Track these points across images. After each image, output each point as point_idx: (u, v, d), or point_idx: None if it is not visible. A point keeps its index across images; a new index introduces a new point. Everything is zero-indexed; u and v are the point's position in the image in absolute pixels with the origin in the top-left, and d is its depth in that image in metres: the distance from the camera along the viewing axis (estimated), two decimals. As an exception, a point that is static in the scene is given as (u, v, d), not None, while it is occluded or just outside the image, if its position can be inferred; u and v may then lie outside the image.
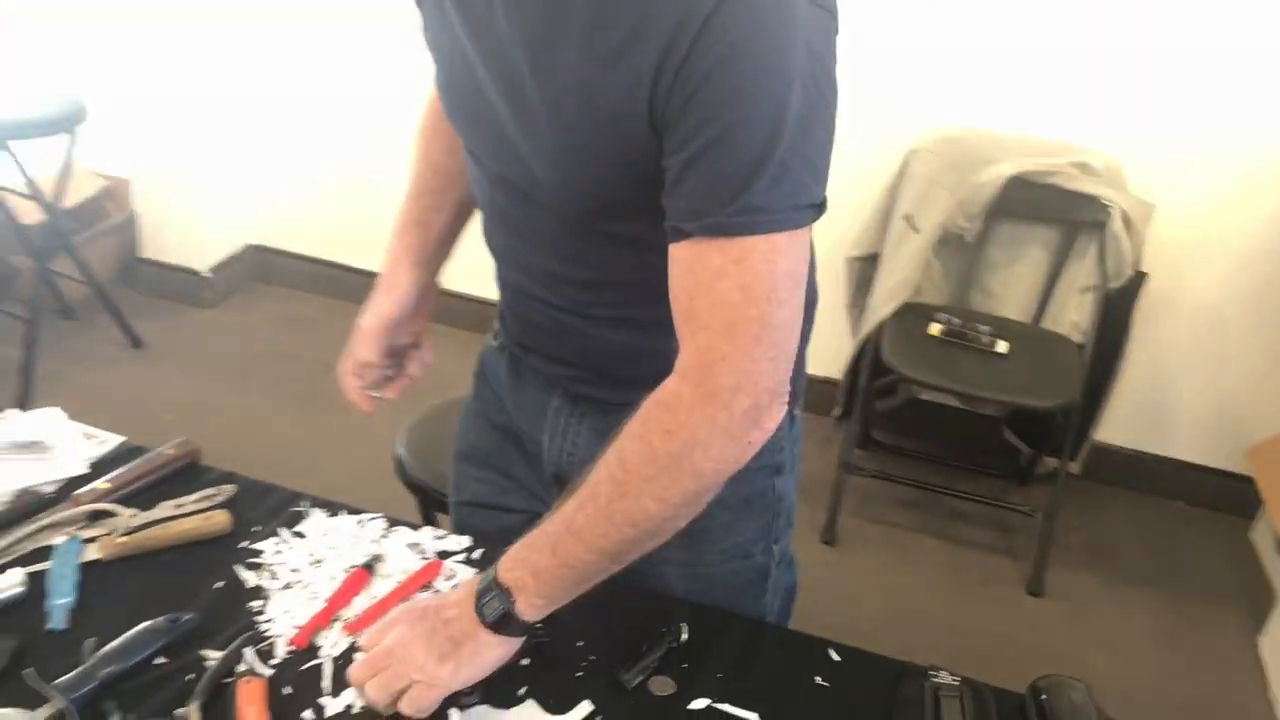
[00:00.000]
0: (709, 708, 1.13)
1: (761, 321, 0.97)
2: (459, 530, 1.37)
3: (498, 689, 1.12)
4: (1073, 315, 2.79)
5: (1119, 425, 3.05)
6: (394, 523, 1.34)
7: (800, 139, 0.94)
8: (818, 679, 1.18)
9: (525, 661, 1.16)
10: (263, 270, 3.71)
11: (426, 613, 1.10)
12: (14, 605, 1.15)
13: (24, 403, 2.94)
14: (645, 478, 1.02)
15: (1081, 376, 2.64)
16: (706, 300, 0.97)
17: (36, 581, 1.18)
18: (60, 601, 1.16)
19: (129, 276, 3.59)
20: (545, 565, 1.07)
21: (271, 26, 3.36)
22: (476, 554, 1.30)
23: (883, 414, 3.14)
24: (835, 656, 1.21)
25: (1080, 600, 2.71)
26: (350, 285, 3.56)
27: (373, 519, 1.34)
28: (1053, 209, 2.74)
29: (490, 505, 1.43)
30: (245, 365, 3.30)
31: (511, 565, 1.08)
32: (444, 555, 1.29)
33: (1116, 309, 2.78)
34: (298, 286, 3.66)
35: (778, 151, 0.93)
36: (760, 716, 1.13)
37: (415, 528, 1.33)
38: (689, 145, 0.94)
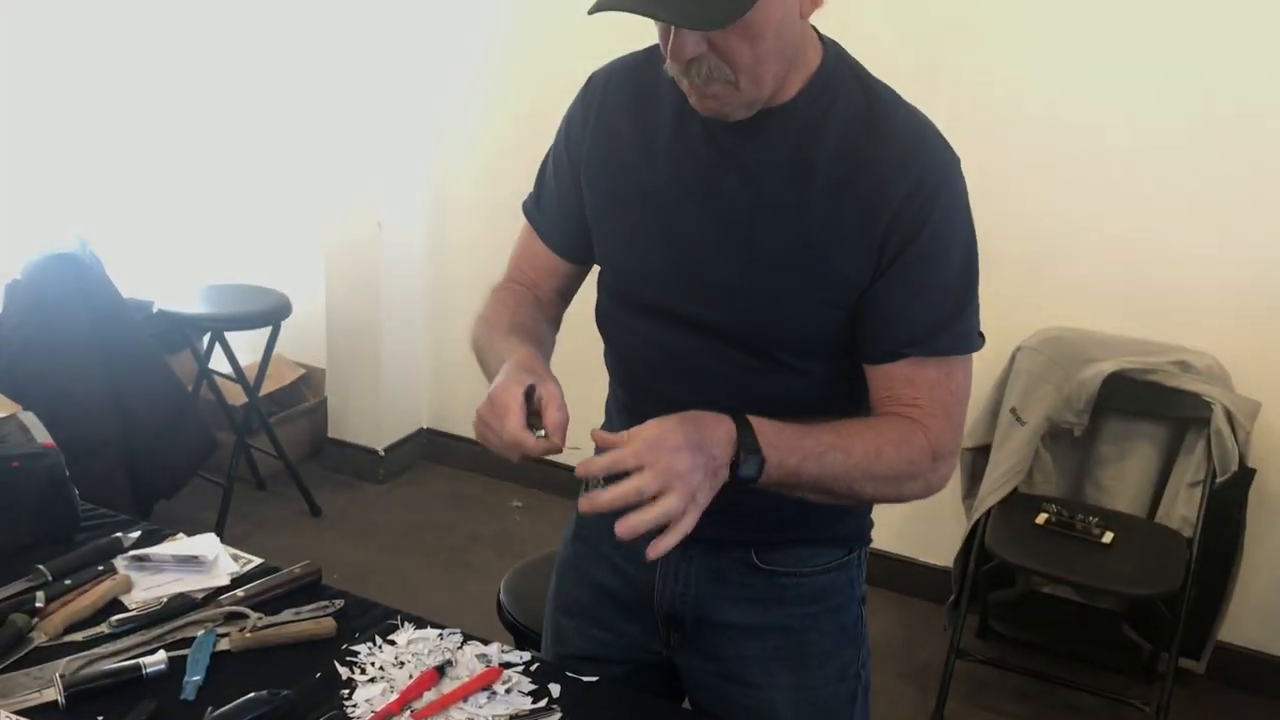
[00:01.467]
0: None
1: (961, 413, 1.34)
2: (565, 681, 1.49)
3: (528, 771, 1.32)
4: (1183, 510, 2.83)
5: (1246, 626, 3.00)
6: (469, 638, 1.57)
7: (978, 280, 1.32)
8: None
9: (558, 754, 1.36)
10: (432, 451, 4.09)
11: (702, 445, 1.15)
12: (157, 678, 1.43)
13: (215, 559, 3.34)
14: (884, 477, 1.29)
15: (1187, 568, 2.67)
16: (929, 401, 1.29)
17: (177, 662, 1.46)
18: (193, 679, 1.43)
19: (317, 453, 4.03)
20: (794, 464, 1.23)
21: (455, 258, 3.85)
22: (534, 666, 1.52)
23: (1001, 605, 3.20)
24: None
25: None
26: (508, 468, 3.88)
27: (451, 633, 1.58)
28: (1156, 406, 2.84)
29: (593, 658, 1.56)
30: (405, 534, 3.63)
31: (774, 447, 1.20)
32: (506, 665, 1.52)
33: (1228, 504, 2.81)
34: (461, 466, 4.02)
35: (971, 292, 1.31)
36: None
37: (486, 643, 1.56)
38: (909, 287, 1.27)
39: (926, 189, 1.25)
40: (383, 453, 3.94)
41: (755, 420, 1.21)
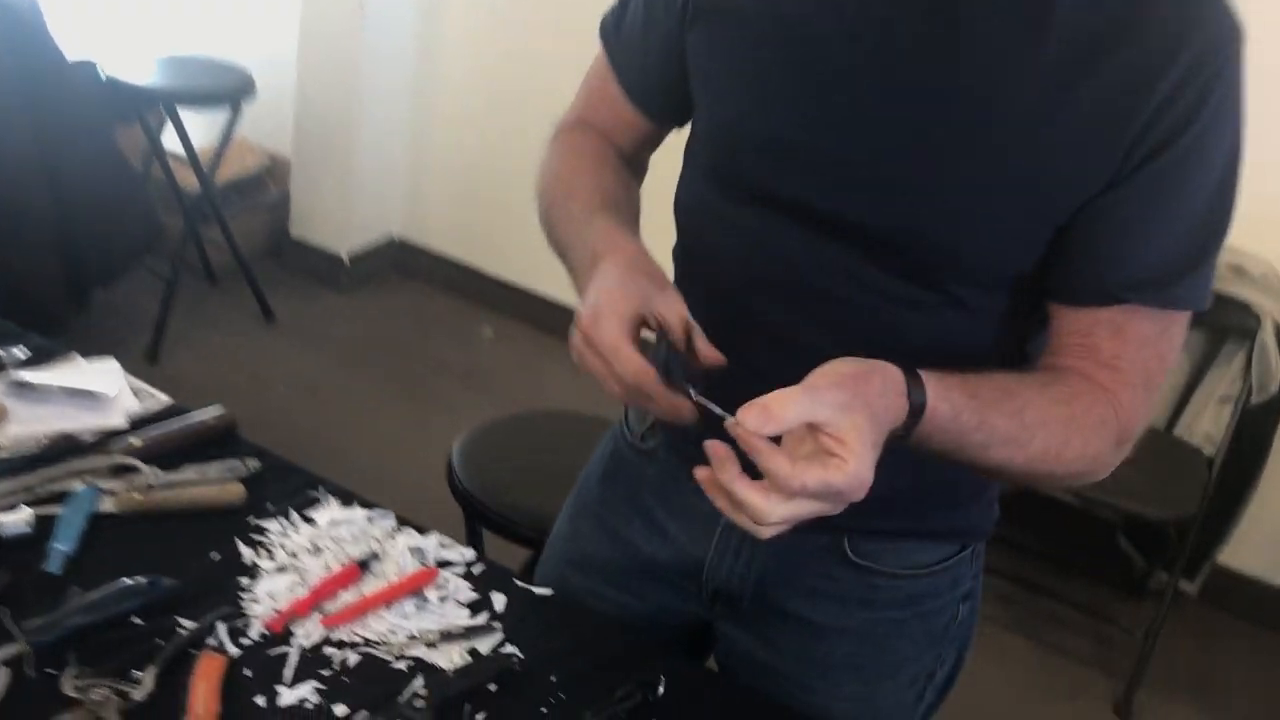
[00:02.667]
0: (669, 772, 1.07)
1: (1159, 384, 1.00)
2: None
3: (450, 712, 1.09)
4: (1208, 425, 2.61)
5: (1249, 551, 2.82)
6: (403, 523, 1.32)
7: (1233, 211, 0.97)
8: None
9: (492, 686, 1.12)
10: (401, 263, 3.80)
11: (881, 424, 0.84)
12: (17, 543, 1.18)
13: (153, 355, 3.08)
14: (1050, 475, 1.00)
15: (1204, 491, 2.46)
16: (1132, 362, 0.97)
17: (46, 523, 1.20)
18: (61, 547, 1.17)
19: (276, 252, 3.73)
20: (939, 448, 0.91)
21: (447, 27, 3.46)
22: (477, 569, 1.27)
23: (992, 499, 3.00)
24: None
25: (1172, 732, 2.51)
26: (482, 290, 3.60)
27: (383, 515, 1.32)
28: (1199, 310, 2.57)
29: (609, 621, 1.28)
30: (364, 352, 3.37)
31: (931, 436, 0.89)
32: (443, 565, 1.27)
33: (1257, 425, 2.58)
34: (432, 284, 3.73)
35: (1224, 225, 0.97)
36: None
37: (423, 532, 1.31)
38: (1152, 205, 0.93)
39: (1206, 72, 0.90)
40: (347, 260, 3.64)
41: (934, 400, 0.87)
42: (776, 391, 0.81)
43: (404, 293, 3.72)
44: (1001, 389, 0.94)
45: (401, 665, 1.13)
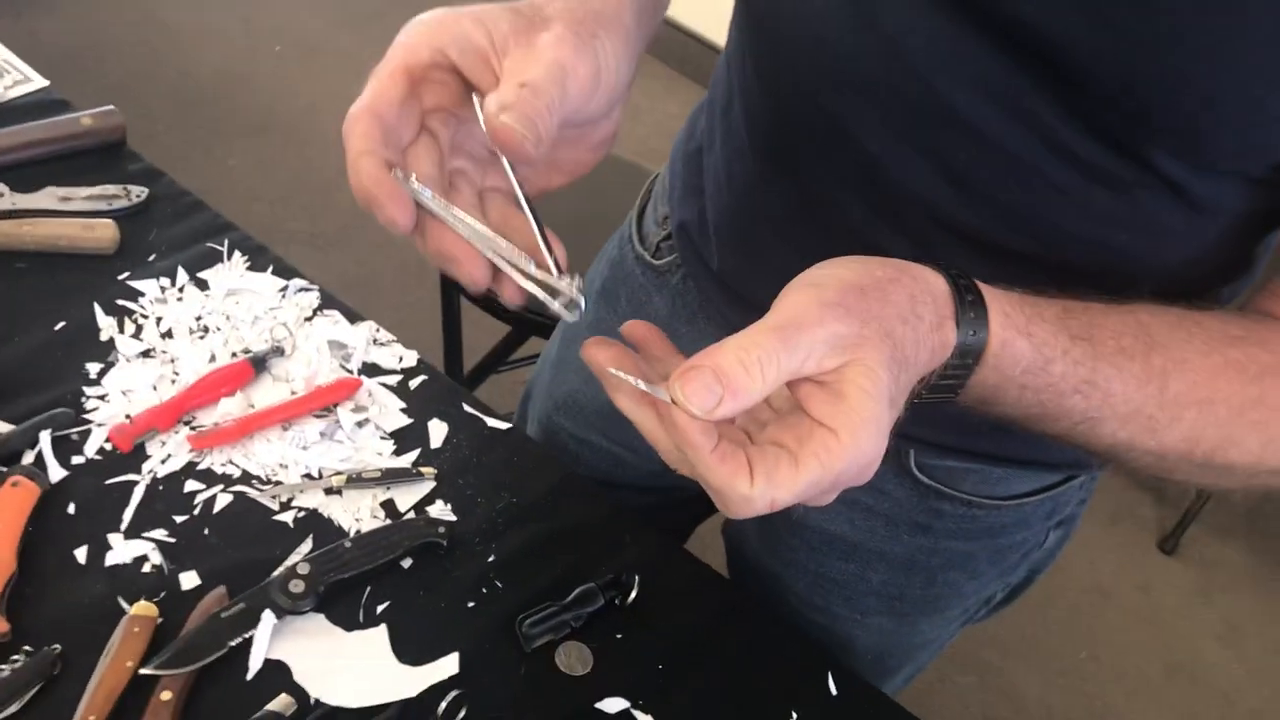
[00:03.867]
0: (624, 713, 0.79)
1: None
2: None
3: (342, 598, 0.80)
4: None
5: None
6: (330, 304, 0.98)
7: None
8: (795, 717, 0.82)
9: (407, 562, 0.83)
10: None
11: (906, 365, 0.51)
12: None
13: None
14: (1209, 451, 0.61)
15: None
16: None
17: None
18: None
19: None
20: (1022, 414, 0.58)
21: None
22: (416, 381, 0.95)
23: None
24: (833, 688, 0.84)
25: (1215, 574, 2.26)
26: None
27: (305, 290, 0.99)
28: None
29: (598, 479, 1.02)
30: (379, 13, 2.91)
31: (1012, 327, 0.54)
32: (370, 371, 0.95)
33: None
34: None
35: None
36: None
37: (354, 320, 0.98)
38: None
39: None
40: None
41: (1003, 332, 0.53)
42: (731, 340, 0.46)
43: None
44: (1138, 333, 0.57)
45: (287, 518, 0.84)
